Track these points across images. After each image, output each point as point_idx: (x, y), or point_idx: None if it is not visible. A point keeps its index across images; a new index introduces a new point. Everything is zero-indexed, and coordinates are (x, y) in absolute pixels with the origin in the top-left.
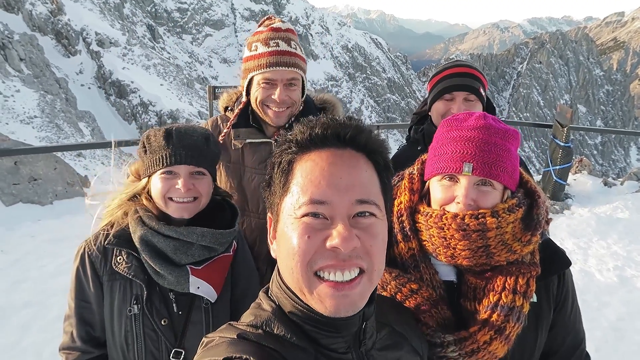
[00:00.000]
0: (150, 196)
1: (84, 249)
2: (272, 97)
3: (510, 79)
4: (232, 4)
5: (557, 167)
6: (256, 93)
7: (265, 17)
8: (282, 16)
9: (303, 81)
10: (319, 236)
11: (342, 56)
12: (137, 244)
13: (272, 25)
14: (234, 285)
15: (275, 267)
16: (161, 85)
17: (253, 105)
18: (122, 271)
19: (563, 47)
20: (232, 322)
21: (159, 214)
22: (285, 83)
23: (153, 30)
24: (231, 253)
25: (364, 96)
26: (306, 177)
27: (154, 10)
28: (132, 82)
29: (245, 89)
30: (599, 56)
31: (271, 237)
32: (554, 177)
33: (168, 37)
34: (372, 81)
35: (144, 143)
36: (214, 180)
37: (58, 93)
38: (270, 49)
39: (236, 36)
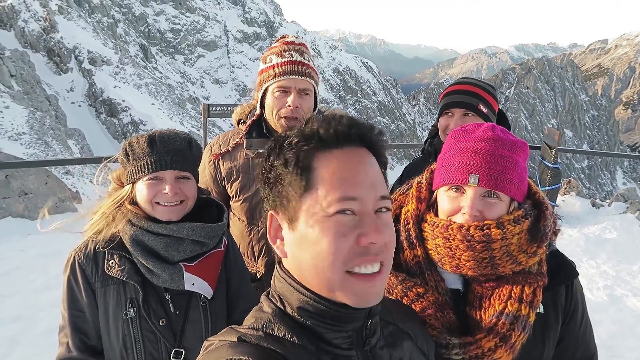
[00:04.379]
0: (135, 202)
1: (74, 257)
2: (287, 104)
3: (499, 103)
4: (225, 26)
5: (546, 188)
6: (271, 103)
7: (280, 36)
8: (274, 39)
9: (315, 94)
10: (352, 234)
11: (334, 79)
12: (128, 245)
13: (286, 40)
14: (227, 282)
15: (276, 265)
16: (152, 104)
17: (267, 115)
18: (116, 274)
19: (549, 73)
20: (233, 326)
21: (146, 215)
22: (299, 91)
23: (146, 49)
24: (222, 248)
25: None
26: (334, 174)
27: (147, 30)
28: (123, 100)
29: (259, 101)
30: (584, 82)
31: (272, 236)
32: None
33: (160, 57)
34: (363, 104)
35: (126, 150)
36: (197, 182)
37: (48, 110)
38: (284, 59)
39: (228, 57)
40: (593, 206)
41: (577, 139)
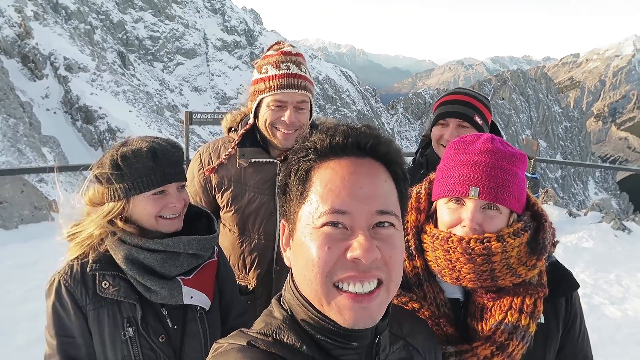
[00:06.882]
0: (126, 218)
1: (59, 281)
2: (282, 119)
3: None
4: (205, 34)
5: None
6: (265, 115)
7: (274, 42)
8: (253, 47)
9: (311, 104)
10: (339, 247)
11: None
12: (121, 264)
13: (282, 49)
14: (221, 290)
15: (289, 275)
16: (130, 111)
17: (261, 126)
18: (111, 295)
19: (524, 85)
20: (243, 329)
21: (137, 232)
22: (296, 105)
23: (124, 56)
24: (215, 258)
25: None
26: (326, 185)
27: (125, 37)
28: (100, 107)
29: (253, 110)
30: (557, 94)
31: (284, 244)
32: None
33: (139, 64)
34: (342, 113)
35: (118, 165)
36: None
37: (22, 117)
38: (281, 71)
39: (208, 65)
40: (570, 215)
41: (551, 149)
